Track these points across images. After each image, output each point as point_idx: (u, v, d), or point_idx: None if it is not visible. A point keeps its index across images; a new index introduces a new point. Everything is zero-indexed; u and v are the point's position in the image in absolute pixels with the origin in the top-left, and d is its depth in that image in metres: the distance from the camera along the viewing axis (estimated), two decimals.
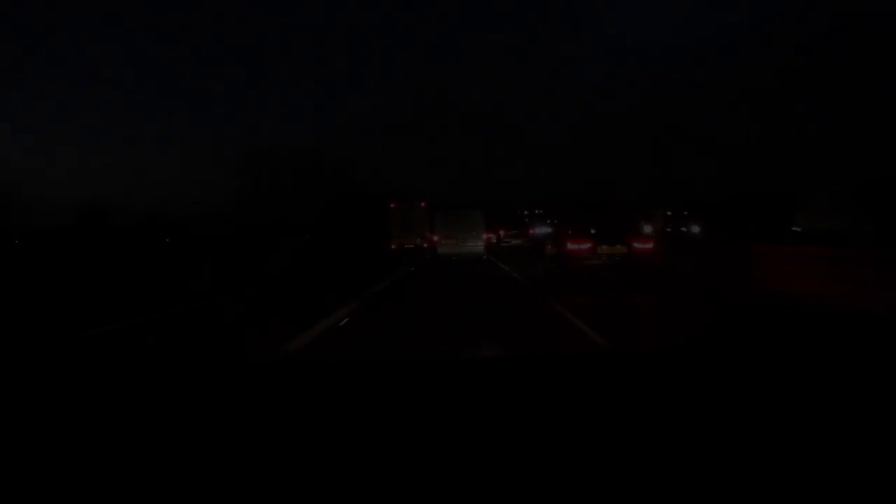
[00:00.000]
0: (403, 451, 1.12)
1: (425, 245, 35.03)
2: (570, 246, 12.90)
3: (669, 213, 54.46)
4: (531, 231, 40.21)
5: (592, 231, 13.17)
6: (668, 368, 1.71)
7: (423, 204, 36.40)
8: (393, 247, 34.78)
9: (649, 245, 12.98)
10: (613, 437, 1.18)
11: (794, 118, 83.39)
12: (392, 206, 36.62)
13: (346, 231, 42.74)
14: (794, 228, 39.41)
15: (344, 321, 9.14)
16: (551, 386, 1.51)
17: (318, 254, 31.53)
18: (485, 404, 1.37)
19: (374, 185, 53.92)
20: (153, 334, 8.67)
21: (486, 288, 13.46)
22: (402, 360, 2.82)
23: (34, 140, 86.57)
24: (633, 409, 1.33)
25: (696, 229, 49.56)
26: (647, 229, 23.13)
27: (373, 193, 49.21)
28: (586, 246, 12.77)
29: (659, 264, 13.47)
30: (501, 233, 40.63)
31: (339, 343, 7.55)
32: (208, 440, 1.22)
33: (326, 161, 43.88)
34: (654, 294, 12.36)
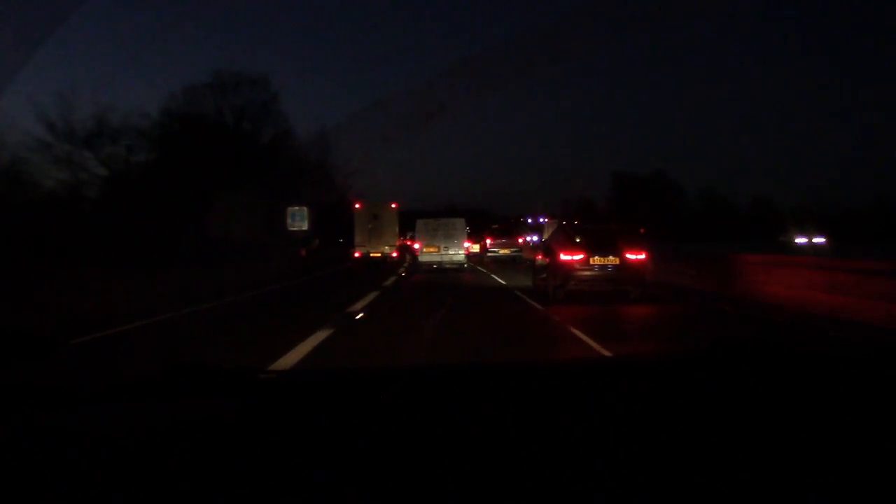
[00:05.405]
0: (399, 462, 1.08)
1: (394, 255, 28.67)
2: (563, 257, 12.72)
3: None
4: (522, 239, 37.52)
5: (584, 242, 13.04)
6: (666, 378, 1.66)
7: (393, 205, 29.83)
8: (356, 255, 28.68)
9: (642, 256, 12.86)
10: (610, 448, 1.14)
11: None
12: (356, 206, 29.69)
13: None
14: None
15: None
16: (549, 394, 1.46)
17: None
18: (477, 412, 1.32)
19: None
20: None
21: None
22: (399, 368, 2.90)
23: None
24: (631, 419, 1.27)
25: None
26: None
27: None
28: (578, 257, 12.61)
29: (651, 274, 13.33)
30: (488, 241, 37.71)
31: None
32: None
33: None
34: (646, 304, 12.27)
